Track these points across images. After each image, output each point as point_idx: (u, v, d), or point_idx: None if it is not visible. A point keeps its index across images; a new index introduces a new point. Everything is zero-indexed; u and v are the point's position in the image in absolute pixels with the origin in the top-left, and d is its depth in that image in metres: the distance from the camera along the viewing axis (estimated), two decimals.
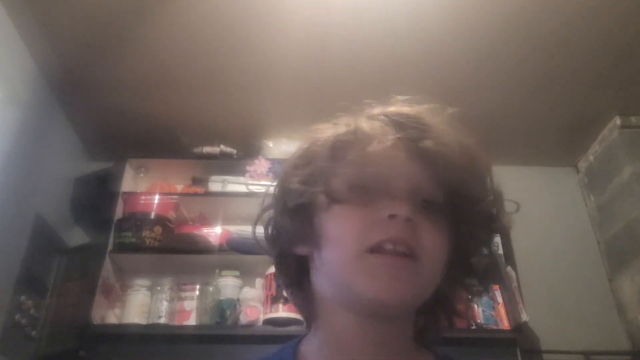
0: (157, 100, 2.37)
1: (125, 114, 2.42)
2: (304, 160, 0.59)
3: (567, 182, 2.76)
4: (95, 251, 2.20)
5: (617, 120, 2.47)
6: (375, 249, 0.50)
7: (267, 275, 2.19)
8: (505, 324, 2.16)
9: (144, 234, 2.19)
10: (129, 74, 2.23)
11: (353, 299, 0.52)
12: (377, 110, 0.60)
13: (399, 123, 0.56)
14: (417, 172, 0.53)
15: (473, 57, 2.15)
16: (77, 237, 2.48)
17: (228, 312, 2.10)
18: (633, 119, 2.48)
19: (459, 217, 0.55)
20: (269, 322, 2.09)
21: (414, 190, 0.53)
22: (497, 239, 2.35)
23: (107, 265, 2.17)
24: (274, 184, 0.62)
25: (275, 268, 0.63)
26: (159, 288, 2.18)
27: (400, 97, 0.61)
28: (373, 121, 0.57)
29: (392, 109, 0.59)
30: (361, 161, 0.53)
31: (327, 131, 0.60)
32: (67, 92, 2.30)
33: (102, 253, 2.17)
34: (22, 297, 2.01)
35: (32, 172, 2.17)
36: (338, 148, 0.56)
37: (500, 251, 2.30)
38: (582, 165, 2.75)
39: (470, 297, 2.24)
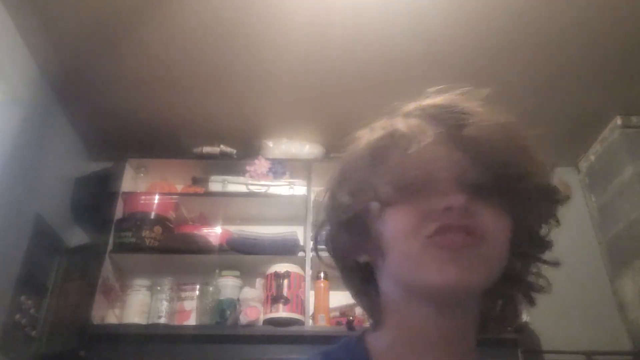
0: (157, 100, 2.37)
1: (125, 114, 2.42)
2: (348, 172, 0.60)
3: (568, 182, 2.75)
4: (95, 251, 2.20)
5: (618, 120, 2.47)
6: (437, 235, 0.50)
7: (267, 275, 2.19)
8: None
9: (144, 234, 2.19)
10: (129, 74, 2.23)
11: (422, 291, 0.52)
12: (411, 106, 0.60)
13: (435, 116, 0.56)
14: (462, 160, 0.53)
15: (473, 57, 2.14)
16: (77, 237, 2.48)
17: (228, 312, 2.10)
18: (634, 119, 2.48)
19: (514, 195, 0.54)
20: (269, 322, 2.09)
21: (462, 178, 0.52)
22: None
23: (107, 265, 2.17)
24: (324, 200, 0.63)
25: (342, 279, 0.64)
26: (159, 288, 2.18)
27: (430, 89, 0.61)
28: (409, 119, 0.57)
29: (426, 102, 0.59)
30: (404, 163, 0.53)
31: (365, 138, 0.61)
32: (67, 92, 2.30)
33: (102, 253, 2.17)
34: (22, 297, 2.01)
35: (32, 172, 2.17)
36: (378, 153, 0.56)
37: None
38: (583, 165, 2.75)
39: None
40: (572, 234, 2.59)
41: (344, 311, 2.28)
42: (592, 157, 2.68)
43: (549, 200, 0.59)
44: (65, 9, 1.92)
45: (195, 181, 2.49)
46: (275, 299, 2.11)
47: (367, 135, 0.61)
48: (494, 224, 0.52)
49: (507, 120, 0.57)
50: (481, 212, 0.51)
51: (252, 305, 2.11)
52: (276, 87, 2.30)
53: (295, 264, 2.21)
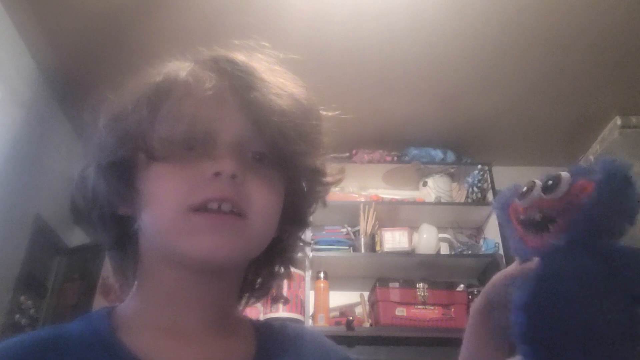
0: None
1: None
2: (120, 111, 0.52)
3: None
4: (95, 251, 2.20)
5: (618, 120, 2.47)
6: (200, 208, 0.47)
7: None
8: None
9: None
10: (129, 74, 2.23)
11: (178, 259, 0.49)
12: (205, 55, 0.55)
13: (225, 70, 0.52)
14: (244, 124, 0.49)
15: (473, 57, 2.15)
16: (77, 237, 2.48)
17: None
18: (633, 119, 2.48)
19: (290, 171, 0.53)
20: None
21: (240, 144, 0.49)
22: (498, 240, 2.35)
23: (107, 266, 2.17)
24: (92, 136, 0.55)
25: (96, 229, 0.56)
26: None
27: (237, 41, 0.56)
28: (197, 69, 0.52)
29: (221, 54, 0.54)
30: (177, 114, 0.48)
31: (147, 79, 0.54)
32: (67, 92, 2.30)
33: (101, 253, 2.17)
34: (22, 297, 2.01)
35: (32, 172, 2.17)
36: (154, 99, 0.50)
37: (501, 251, 2.30)
38: None
39: (470, 297, 2.24)
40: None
41: (344, 311, 2.29)
42: (592, 158, 2.68)
43: (319, 182, 0.57)
44: (65, 9, 1.92)
45: None
46: (274, 299, 2.10)
47: (152, 76, 0.54)
48: (262, 198, 0.50)
49: (299, 93, 0.54)
50: (251, 182, 0.49)
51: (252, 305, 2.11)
52: None
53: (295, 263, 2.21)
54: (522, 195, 0.51)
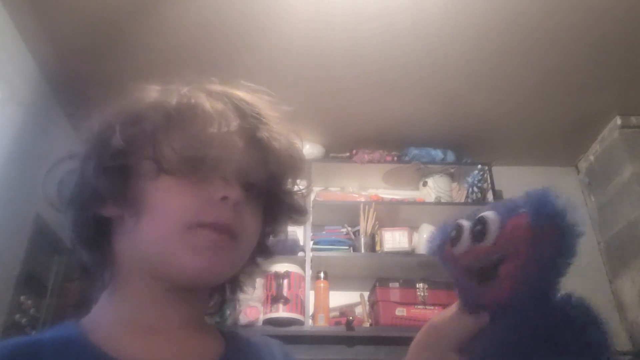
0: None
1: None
2: (131, 117, 0.55)
3: (568, 182, 2.76)
4: None
5: (618, 120, 2.47)
6: (200, 225, 0.51)
7: (268, 275, 2.19)
8: None
9: None
10: (129, 74, 2.23)
11: (167, 271, 0.52)
12: (217, 88, 0.60)
13: (240, 109, 0.57)
14: (250, 158, 0.56)
15: (473, 57, 2.15)
16: None
17: (227, 312, 2.10)
18: (633, 119, 2.48)
19: (273, 204, 0.59)
20: (269, 322, 2.09)
21: (244, 174, 0.55)
22: None
23: None
24: (88, 131, 0.58)
25: (71, 224, 0.58)
26: None
27: (243, 82, 0.63)
28: (214, 100, 0.57)
29: (234, 92, 0.60)
30: (202, 138, 0.53)
31: (161, 94, 0.59)
32: (67, 92, 2.30)
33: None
34: (22, 297, 2.01)
35: (32, 172, 2.16)
36: (175, 118, 0.54)
37: None
38: (583, 165, 2.75)
39: None
40: None
41: (344, 311, 2.29)
42: (592, 157, 2.68)
43: (293, 218, 0.64)
44: (65, 10, 1.92)
45: None
46: (275, 299, 2.11)
47: (163, 93, 0.59)
48: (251, 225, 0.56)
49: (292, 138, 0.61)
50: (246, 209, 0.54)
51: (252, 305, 2.12)
52: (276, 87, 2.29)
53: (295, 264, 2.22)
54: (453, 241, 0.48)
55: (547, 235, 0.43)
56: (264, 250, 0.62)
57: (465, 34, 2.04)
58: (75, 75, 2.22)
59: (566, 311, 0.43)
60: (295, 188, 0.62)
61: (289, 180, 0.60)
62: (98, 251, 0.57)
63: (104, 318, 0.55)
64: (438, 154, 2.63)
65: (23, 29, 2.00)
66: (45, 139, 2.29)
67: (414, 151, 2.63)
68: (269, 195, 0.58)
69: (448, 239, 0.49)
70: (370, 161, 2.58)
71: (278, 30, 2.01)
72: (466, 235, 0.47)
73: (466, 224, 0.48)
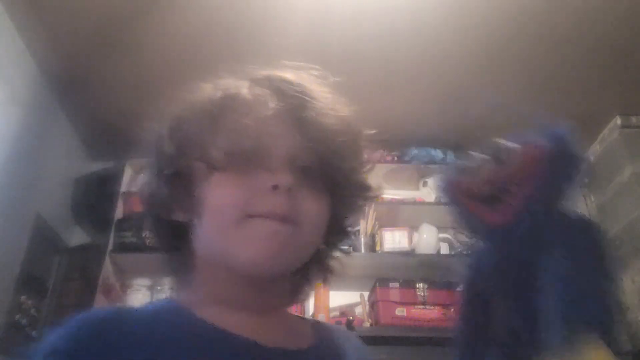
0: (158, 100, 2.37)
1: (125, 114, 2.42)
2: (182, 123, 0.56)
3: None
4: (95, 251, 2.20)
5: (618, 120, 2.47)
6: (256, 215, 0.51)
7: None
8: None
9: (144, 234, 2.20)
10: (129, 74, 2.23)
11: (232, 263, 0.52)
12: (259, 74, 0.58)
13: (280, 90, 0.55)
14: (297, 141, 0.54)
15: (473, 57, 2.15)
16: (77, 237, 2.48)
17: None
18: (633, 119, 2.48)
19: (336, 186, 0.56)
20: None
21: (293, 159, 0.53)
22: None
23: (107, 265, 2.17)
24: (149, 143, 0.59)
25: (152, 231, 0.61)
26: (159, 288, 2.18)
27: (286, 62, 0.59)
28: (254, 87, 0.56)
29: (275, 73, 0.58)
30: (241, 129, 0.52)
31: (206, 93, 0.59)
32: (67, 92, 2.30)
33: (102, 253, 2.17)
34: (22, 297, 2.01)
35: (32, 172, 2.17)
36: (216, 114, 0.54)
37: None
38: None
39: None
40: None
41: (344, 311, 2.29)
42: (592, 157, 2.68)
43: (362, 197, 0.62)
44: (65, 10, 1.92)
45: None
46: None
47: (210, 91, 0.59)
48: (313, 209, 0.54)
49: (344, 113, 0.59)
50: (303, 195, 0.53)
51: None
52: None
53: None
54: (472, 172, 0.51)
55: (557, 161, 0.48)
56: (338, 231, 0.61)
57: (465, 34, 2.04)
58: (75, 75, 2.22)
59: (572, 216, 0.47)
60: (356, 164, 0.59)
61: (347, 156, 0.57)
62: (180, 253, 0.58)
63: (197, 300, 0.55)
64: (438, 154, 2.63)
65: (23, 30, 2.00)
66: (45, 139, 2.29)
67: (414, 151, 2.63)
68: (329, 176, 0.55)
69: (462, 171, 0.53)
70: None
71: (278, 30, 2.01)
72: (488, 163, 0.51)
73: (486, 156, 0.52)
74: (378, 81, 2.28)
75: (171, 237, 0.58)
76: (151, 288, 2.20)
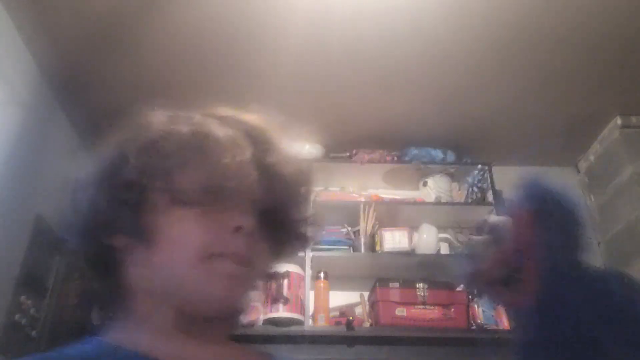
0: (157, 100, 2.37)
1: (125, 113, 2.42)
2: (144, 147, 0.54)
3: (568, 182, 2.76)
4: None
5: (618, 120, 2.47)
6: (218, 254, 0.52)
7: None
8: (505, 324, 2.16)
9: None
10: (129, 74, 2.23)
11: (188, 299, 0.52)
12: (227, 114, 0.60)
13: (251, 136, 0.57)
14: (261, 186, 0.55)
15: (473, 56, 2.15)
16: None
17: None
18: (633, 119, 2.48)
19: (280, 232, 0.59)
20: (269, 322, 2.09)
21: (255, 202, 0.55)
22: None
23: None
24: (100, 158, 0.57)
25: (82, 252, 0.59)
26: None
27: (253, 107, 0.62)
28: (226, 128, 0.56)
29: (244, 117, 0.60)
30: (216, 170, 0.52)
31: (171, 121, 0.57)
32: (67, 92, 2.30)
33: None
34: (22, 297, 2.01)
35: (32, 172, 2.16)
36: (188, 148, 0.54)
37: None
38: (583, 165, 2.75)
39: (470, 297, 2.24)
40: None
41: (344, 311, 2.29)
42: (592, 157, 2.68)
43: (299, 246, 0.64)
44: (65, 10, 1.92)
45: None
46: (275, 298, 2.11)
47: (173, 120, 0.58)
48: (264, 252, 0.57)
49: (301, 163, 0.61)
50: (258, 237, 0.55)
51: (252, 305, 2.12)
52: (276, 88, 2.30)
53: (295, 263, 2.21)
54: (481, 258, 0.49)
55: (549, 218, 0.45)
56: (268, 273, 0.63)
57: (465, 34, 2.04)
58: (75, 75, 2.22)
59: (602, 277, 0.44)
60: (303, 215, 0.61)
61: (298, 207, 0.60)
62: (109, 279, 0.56)
63: (132, 335, 0.53)
64: (438, 153, 2.63)
65: (23, 30, 2.00)
66: (45, 139, 2.29)
67: (414, 151, 2.63)
68: (278, 222, 0.58)
69: (470, 265, 0.50)
70: (370, 161, 2.58)
71: (278, 30, 2.01)
72: (482, 245, 0.49)
73: (479, 239, 0.50)
74: (378, 81, 2.28)
75: (104, 262, 0.56)
76: None
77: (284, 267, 2.19)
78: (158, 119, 0.58)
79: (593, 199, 2.65)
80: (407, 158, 2.63)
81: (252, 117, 0.60)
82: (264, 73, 2.22)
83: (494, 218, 0.49)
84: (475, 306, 2.23)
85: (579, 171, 2.78)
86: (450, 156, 2.65)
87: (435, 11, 1.92)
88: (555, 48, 2.11)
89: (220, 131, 0.55)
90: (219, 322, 0.56)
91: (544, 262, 0.45)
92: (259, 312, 2.10)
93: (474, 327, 2.18)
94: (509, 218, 0.48)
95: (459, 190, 2.62)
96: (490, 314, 2.20)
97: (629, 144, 2.45)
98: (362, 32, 2.02)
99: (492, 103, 2.41)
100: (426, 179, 2.60)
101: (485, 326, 2.17)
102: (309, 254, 2.26)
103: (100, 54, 2.12)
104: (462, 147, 2.68)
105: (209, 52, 2.12)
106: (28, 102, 2.12)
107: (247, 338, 2.01)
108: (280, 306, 2.09)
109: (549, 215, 0.45)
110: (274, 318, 2.08)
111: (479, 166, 2.54)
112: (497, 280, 0.48)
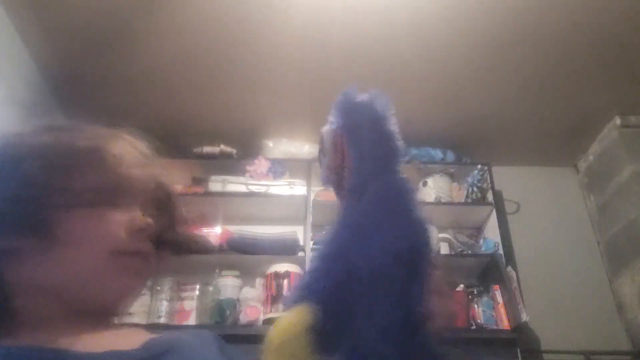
0: (157, 100, 2.37)
1: (125, 114, 2.42)
2: (48, 150, 0.56)
3: (567, 182, 2.77)
4: None
5: (617, 120, 2.47)
6: (125, 252, 0.55)
7: (267, 275, 2.19)
8: (505, 324, 2.16)
9: None
10: (129, 74, 2.23)
11: (93, 297, 0.54)
12: (123, 135, 0.64)
13: (147, 155, 0.64)
14: (157, 189, 0.64)
15: (473, 56, 2.15)
16: None
17: (228, 312, 2.10)
18: (633, 119, 2.48)
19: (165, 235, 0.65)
20: (269, 322, 2.09)
21: (153, 203, 0.62)
22: (497, 239, 2.36)
23: None
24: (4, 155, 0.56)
25: None
26: (159, 288, 2.18)
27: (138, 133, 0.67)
28: (124, 145, 0.62)
29: (137, 142, 0.65)
30: (122, 174, 0.57)
31: (70, 138, 0.58)
32: (67, 92, 2.30)
33: None
34: None
35: None
36: (85, 159, 0.56)
37: (501, 251, 2.30)
38: (582, 165, 2.75)
39: (470, 297, 2.24)
40: (571, 234, 2.60)
41: None
42: (591, 157, 2.68)
43: (179, 250, 0.69)
44: (65, 10, 1.92)
45: (195, 181, 2.49)
46: (275, 298, 2.11)
47: (71, 136, 0.59)
48: (162, 250, 0.62)
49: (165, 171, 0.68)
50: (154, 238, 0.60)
51: (252, 305, 2.12)
52: (276, 87, 2.30)
53: (295, 263, 2.21)
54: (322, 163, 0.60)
55: (358, 130, 0.55)
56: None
57: (464, 34, 2.04)
58: (74, 75, 2.22)
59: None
60: (183, 222, 0.68)
61: (179, 215, 0.67)
62: None
63: (23, 333, 0.52)
64: (438, 153, 2.63)
65: (22, 29, 2.00)
66: None
67: (413, 151, 2.63)
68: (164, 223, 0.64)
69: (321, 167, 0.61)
70: None
71: (278, 29, 2.01)
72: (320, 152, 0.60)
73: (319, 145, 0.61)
74: (378, 81, 2.28)
75: None
76: (151, 288, 2.20)
77: (283, 267, 2.19)
78: (73, 126, 0.62)
79: (593, 199, 2.65)
80: (407, 158, 2.63)
81: (142, 144, 0.66)
82: (264, 73, 2.22)
83: (323, 129, 0.59)
84: (475, 306, 2.23)
85: (578, 171, 2.78)
86: (450, 156, 2.65)
87: (435, 11, 1.92)
88: (554, 48, 2.11)
89: (126, 147, 0.61)
90: (111, 311, 0.59)
91: (356, 171, 0.54)
92: (259, 312, 2.10)
93: (474, 327, 2.18)
94: (327, 132, 0.57)
95: (459, 190, 2.62)
96: (490, 314, 2.20)
97: (628, 144, 2.45)
98: (362, 31, 2.03)
99: (492, 103, 2.41)
100: (426, 179, 2.60)
101: (485, 326, 2.17)
102: (309, 254, 2.26)
103: (99, 53, 2.12)
104: (462, 147, 2.68)
105: (209, 52, 2.12)
106: (27, 102, 2.11)
107: (247, 338, 2.01)
108: (281, 306, 2.09)
109: (357, 128, 0.54)
110: (273, 318, 2.08)
111: (479, 166, 2.54)
112: (333, 181, 0.58)
